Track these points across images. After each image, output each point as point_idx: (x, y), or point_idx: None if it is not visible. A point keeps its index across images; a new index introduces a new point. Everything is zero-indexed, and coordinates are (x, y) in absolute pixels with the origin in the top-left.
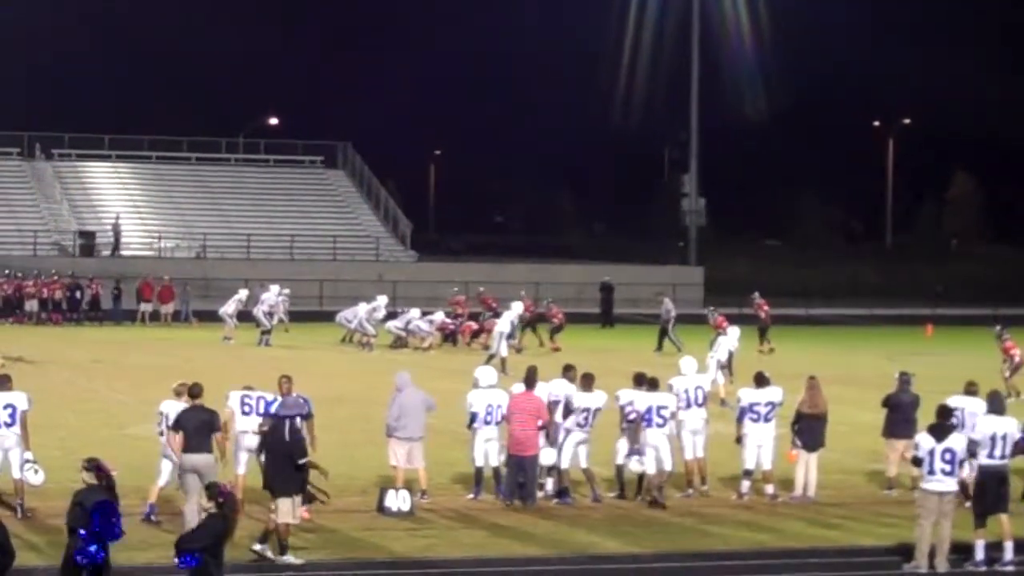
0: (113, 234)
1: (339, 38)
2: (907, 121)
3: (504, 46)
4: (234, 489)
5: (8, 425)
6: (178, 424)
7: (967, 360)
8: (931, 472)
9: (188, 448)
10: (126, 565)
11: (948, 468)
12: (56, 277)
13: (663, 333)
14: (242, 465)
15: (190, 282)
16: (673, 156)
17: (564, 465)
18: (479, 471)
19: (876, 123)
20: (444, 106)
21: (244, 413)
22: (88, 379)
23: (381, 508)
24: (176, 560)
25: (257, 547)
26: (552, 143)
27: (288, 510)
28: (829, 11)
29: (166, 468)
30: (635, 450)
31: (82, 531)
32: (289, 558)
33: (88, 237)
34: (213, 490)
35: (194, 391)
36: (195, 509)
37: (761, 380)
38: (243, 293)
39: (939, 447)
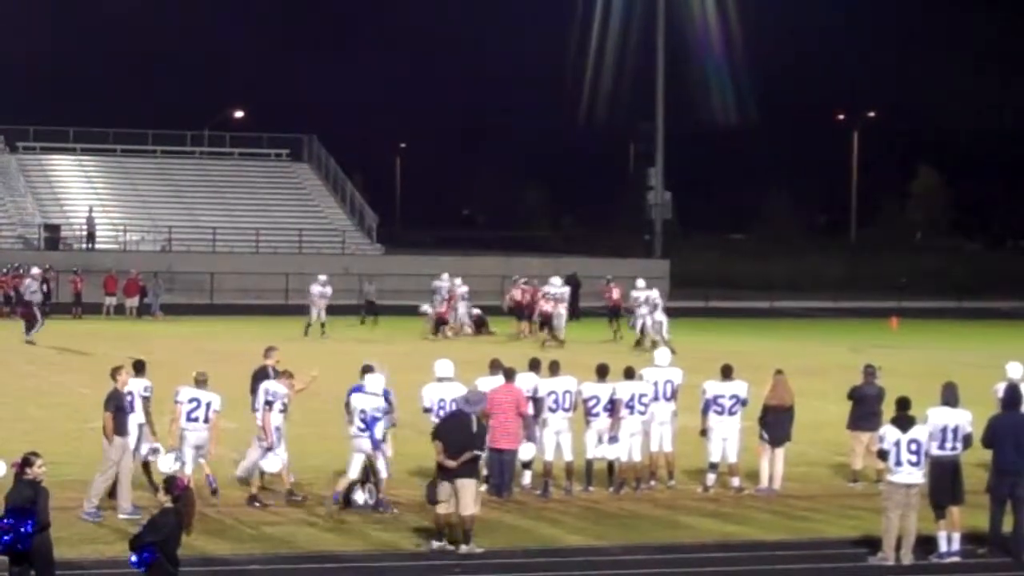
0: (87, 227)
1: (305, 31)
2: (871, 115)
3: (471, 39)
4: (190, 483)
5: None
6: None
7: (931, 353)
8: (898, 464)
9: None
10: (92, 558)
11: (914, 459)
12: (20, 271)
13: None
14: (189, 463)
15: (156, 275)
16: (639, 150)
17: (548, 457)
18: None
19: (840, 116)
20: (410, 99)
21: (190, 415)
22: (53, 373)
23: (348, 502)
24: (131, 558)
25: (436, 544)
26: (519, 136)
27: (471, 501)
28: (795, 6)
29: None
30: (613, 437)
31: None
32: (470, 548)
33: (53, 230)
34: (168, 484)
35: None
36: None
37: (727, 372)
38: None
39: (904, 438)
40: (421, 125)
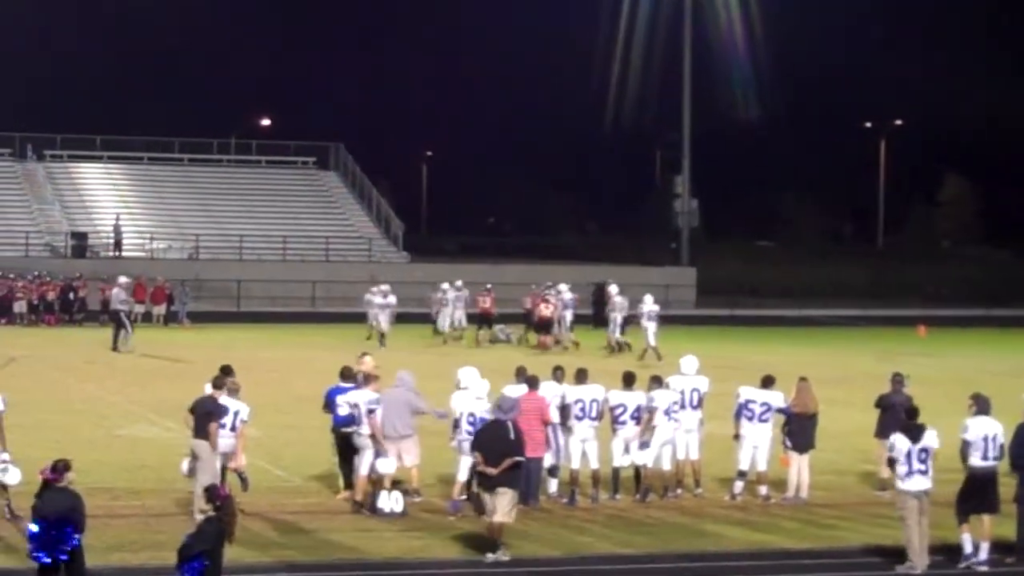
0: (114, 234)
1: (331, 38)
2: (899, 122)
3: (497, 46)
4: (228, 491)
5: None
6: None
7: (959, 361)
8: (909, 473)
9: (195, 434)
10: (119, 565)
11: (924, 468)
12: (48, 279)
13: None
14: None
15: (183, 283)
16: (666, 157)
17: (575, 465)
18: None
19: (867, 124)
20: (436, 107)
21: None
22: (80, 380)
23: (373, 509)
24: (179, 568)
25: (491, 556)
26: (545, 144)
27: (507, 509)
28: (822, 12)
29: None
30: (645, 442)
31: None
32: (499, 555)
33: (80, 238)
34: (211, 493)
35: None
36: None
37: (767, 382)
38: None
39: (915, 447)
40: (447, 133)
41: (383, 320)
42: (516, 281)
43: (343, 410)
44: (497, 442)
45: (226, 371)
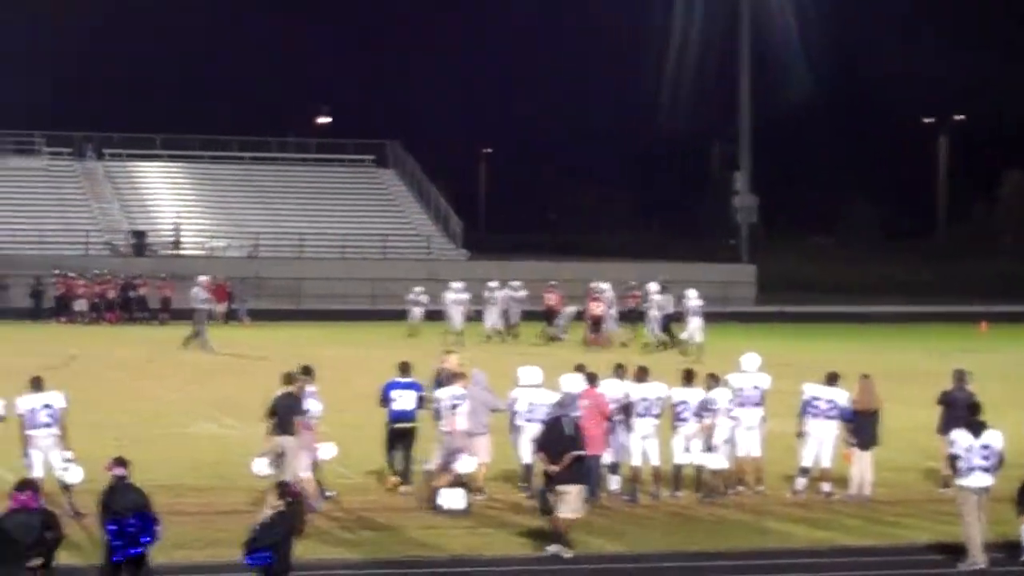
0: (174, 233)
1: (389, 36)
2: (960, 118)
3: (552, 44)
4: (301, 488)
5: (48, 425)
6: (272, 408)
7: (1021, 357)
8: (969, 468)
9: (275, 430)
10: (182, 563)
11: (985, 464)
12: (108, 277)
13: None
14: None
15: (243, 281)
16: (723, 153)
17: (636, 463)
18: (527, 468)
19: (927, 120)
20: (494, 104)
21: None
22: (142, 378)
23: (435, 506)
24: (245, 558)
25: (551, 549)
26: (603, 140)
27: (574, 505)
28: (882, 6)
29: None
30: (712, 447)
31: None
32: (557, 549)
33: (140, 237)
34: (283, 489)
35: (287, 377)
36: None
37: (832, 379)
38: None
39: (976, 443)
40: (505, 130)
41: (456, 317)
42: (572, 278)
43: (397, 404)
44: (558, 439)
45: (307, 371)
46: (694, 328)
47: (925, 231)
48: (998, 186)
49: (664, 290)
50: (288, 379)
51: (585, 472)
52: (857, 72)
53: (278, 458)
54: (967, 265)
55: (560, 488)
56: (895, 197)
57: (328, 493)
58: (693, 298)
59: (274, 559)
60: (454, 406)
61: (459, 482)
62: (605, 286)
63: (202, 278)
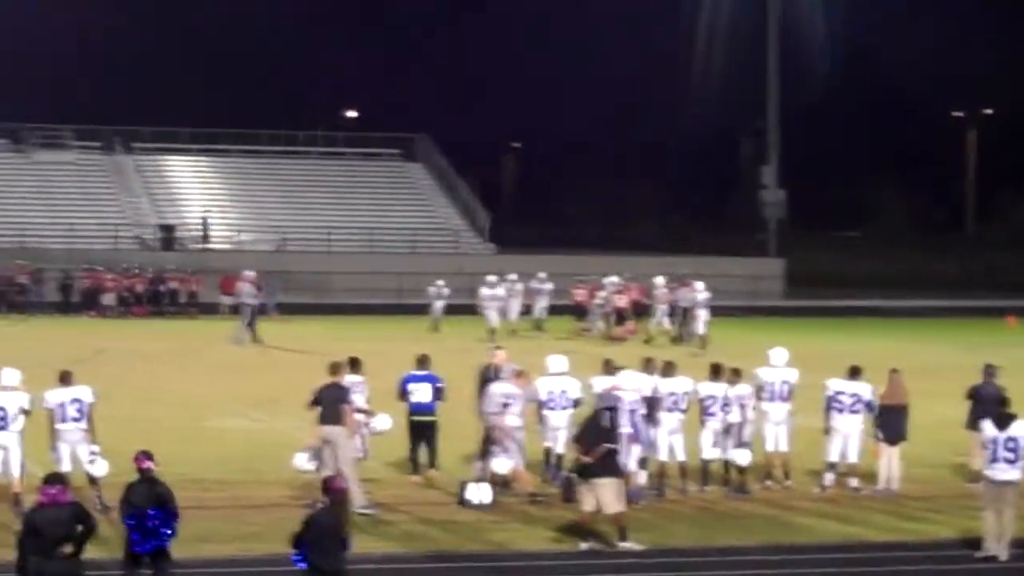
0: (202, 227)
1: (417, 30)
2: (989, 111)
3: (580, 37)
4: (344, 484)
5: (76, 420)
6: (316, 399)
7: None
8: (994, 460)
9: (323, 420)
10: (208, 557)
11: (1011, 457)
12: (138, 271)
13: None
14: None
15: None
16: (750, 146)
17: (662, 457)
18: (547, 452)
19: (958, 114)
20: (521, 99)
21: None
22: (169, 372)
23: (462, 501)
24: (292, 555)
25: (584, 545)
26: (629, 134)
27: (611, 499)
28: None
29: None
30: (744, 443)
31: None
32: (630, 544)
33: (168, 231)
34: (326, 484)
35: (334, 368)
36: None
37: (854, 372)
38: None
39: (1002, 436)
40: (532, 124)
41: (492, 314)
42: (600, 272)
43: (415, 397)
44: (593, 431)
45: (354, 363)
46: (700, 321)
47: (954, 225)
48: None
49: (671, 284)
50: (335, 369)
51: (618, 465)
52: (885, 65)
53: (318, 452)
54: (996, 259)
55: (595, 481)
56: (924, 191)
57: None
58: (700, 291)
59: (314, 555)
60: (506, 404)
61: (497, 481)
62: (616, 279)
63: (248, 273)
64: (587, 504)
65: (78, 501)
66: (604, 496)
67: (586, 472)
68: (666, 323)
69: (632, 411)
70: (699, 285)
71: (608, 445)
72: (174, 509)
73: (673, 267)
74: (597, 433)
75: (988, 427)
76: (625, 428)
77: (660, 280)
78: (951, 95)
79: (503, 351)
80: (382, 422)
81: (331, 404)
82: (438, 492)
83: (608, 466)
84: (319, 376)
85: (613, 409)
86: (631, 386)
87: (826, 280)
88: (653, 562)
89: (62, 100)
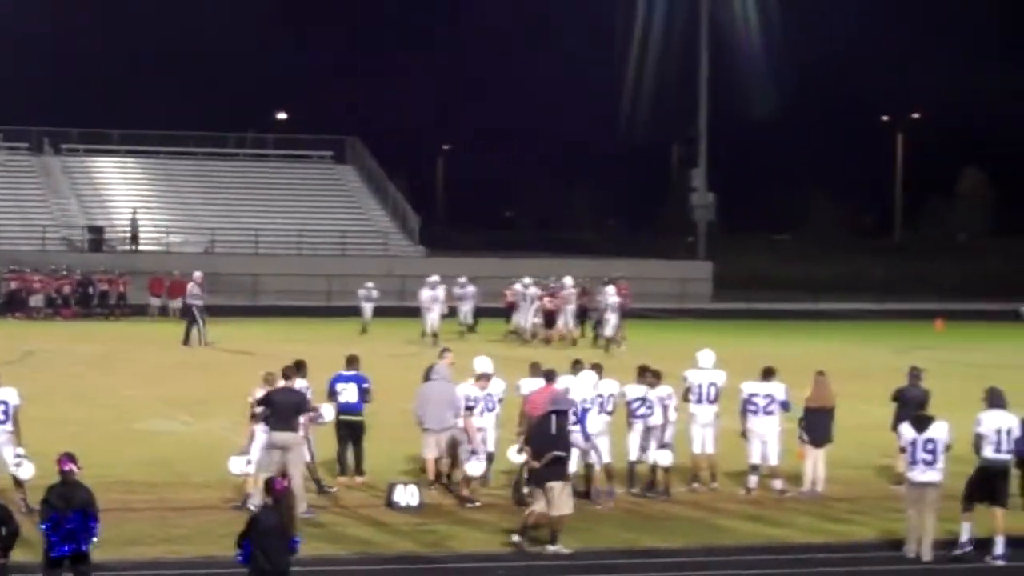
0: (131, 228)
1: (347, 33)
2: (916, 116)
3: (512, 41)
4: (286, 484)
5: (2, 422)
6: (268, 402)
7: (976, 355)
8: (913, 463)
9: (276, 426)
10: (134, 559)
11: (929, 458)
12: (66, 272)
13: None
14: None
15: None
16: (682, 151)
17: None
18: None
19: (884, 118)
20: (453, 101)
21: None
22: (98, 374)
23: (390, 503)
24: (237, 555)
25: (516, 538)
26: (562, 138)
27: (561, 502)
28: (838, 5)
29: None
30: (666, 444)
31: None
32: (558, 547)
33: (97, 232)
34: (268, 485)
35: (286, 372)
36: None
37: (767, 374)
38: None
39: (920, 438)
40: (464, 128)
41: (432, 315)
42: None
43: (343, 397)
44: (542, 436)
45: (299, 366)
46: (609, 324)
47: (883, 229)
48: (955, 183)
49: (578, 287)
50: (285, 374)
51: (567, 469)
52: (815, 71)
53: (267, 455)
54: (924, 263)
55: (546, 485)
56: (853, 195)
57: (329, 489)
58: (611, 295)
59: (255, 554)
60: (470, 407)
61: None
62: (568, 281)
63: (197, 274)
64: (539, 504)
65: (2, 504)
66: (554, 498)
67: (536, 477)
68: (572, 325)
69: (585, 411)
70: (609, 289)
71: (554, 453)
72: (94, 512)
73: (606, 270)
74: (545, 438)
75: (906, 429)
76: (576, 431)
77: (568, 281)
78: (879, 99)
79: (450, 353)
80: (328, 412)
81: (285, 410)
82: (365, 494)
83: (555, 471)
84: (250, 379)
85: (563, 413)
86: (583, 389)
87: (756, 283)
88: (581, 564)
89: None
